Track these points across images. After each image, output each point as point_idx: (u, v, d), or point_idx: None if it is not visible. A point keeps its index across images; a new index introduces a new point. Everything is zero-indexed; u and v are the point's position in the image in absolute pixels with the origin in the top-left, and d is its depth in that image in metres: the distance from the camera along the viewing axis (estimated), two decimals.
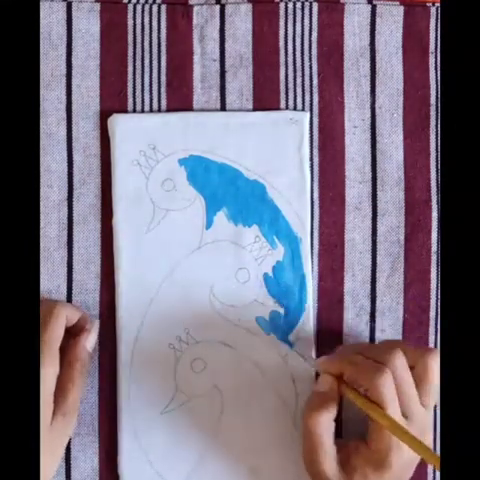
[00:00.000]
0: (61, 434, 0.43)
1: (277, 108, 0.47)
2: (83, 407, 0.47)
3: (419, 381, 0.42)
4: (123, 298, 0.46)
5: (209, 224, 0.47)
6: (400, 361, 0.42)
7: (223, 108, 0.47)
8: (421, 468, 0.48)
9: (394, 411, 0.41)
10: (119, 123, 0.47)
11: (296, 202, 0.47)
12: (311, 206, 0.47)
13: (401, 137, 0.48)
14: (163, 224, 0.47)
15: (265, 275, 0.47)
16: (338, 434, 0.44)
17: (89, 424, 0.47)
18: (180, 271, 0.47)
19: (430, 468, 0.48)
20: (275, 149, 0.47)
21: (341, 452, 0.43)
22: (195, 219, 0.47)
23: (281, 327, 0.47)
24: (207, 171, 0.47)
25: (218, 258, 0.47)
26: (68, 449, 0.47)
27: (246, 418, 0.47)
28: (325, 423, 0.42)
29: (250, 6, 0.47)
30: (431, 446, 0.44)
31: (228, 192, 0.47)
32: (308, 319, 0.47)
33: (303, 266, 0.47)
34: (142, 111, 0.47)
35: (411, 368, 0.42)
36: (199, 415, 0.46)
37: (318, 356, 0.46)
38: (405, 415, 0.41)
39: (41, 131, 0.47)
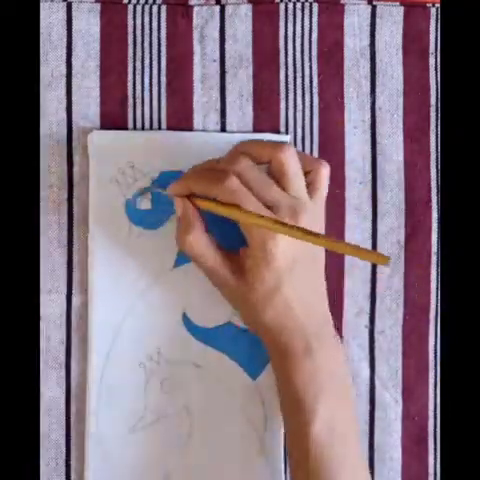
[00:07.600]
0: None
1: (276, 110, 0.47)
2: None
3: (279, 175, 0.42)
4: (96, 315, 0.46)
5: None
6: (243, 162, 0.42)
7: (223, 108, 0.47)
8: (421, 467, 0.48)
9: (252, 205, 0.41)
10: (99, 140, 0.46)
11: None
12: None
13: (401, 138, 0.48)
14: (139, 242, 0.46)
15: None
16: None
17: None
18: (154, 290, 0.46)
19: (431, 468, 0.48)
20: None
21: (234, 263, 0.43)
22: (171, 238, 0.45)
23: (247, 354, 0.46)
24: None
25: (193, 278, 0.46)
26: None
27: (214, 440, 0.46)
28: (196, 241, 0.43)
29: (250, 6, 0.47)
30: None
31: (205, 214, 0.44)
32: None
33: None
34: (142, 111, 0.47)
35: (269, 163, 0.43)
36: (167, 435, 0.46)
37: None
38: (269, 206, 0.42)
39: (41, 131, 0.47)
